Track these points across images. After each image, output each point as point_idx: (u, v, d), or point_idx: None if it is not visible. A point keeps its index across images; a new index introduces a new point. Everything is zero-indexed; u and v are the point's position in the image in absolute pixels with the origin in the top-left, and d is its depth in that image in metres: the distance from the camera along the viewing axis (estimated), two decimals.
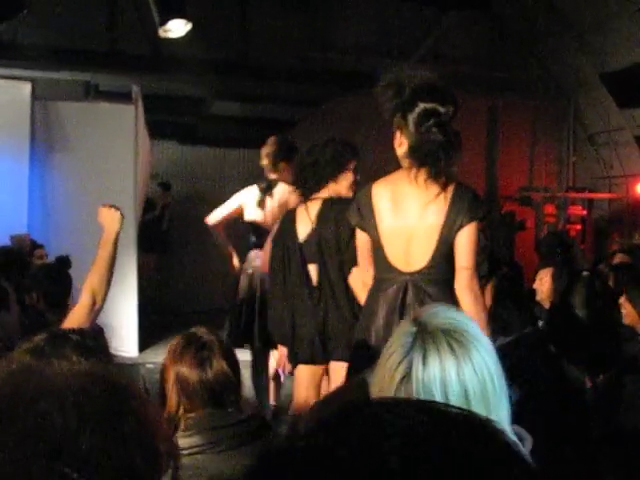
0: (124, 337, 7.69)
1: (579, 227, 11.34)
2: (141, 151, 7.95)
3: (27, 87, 7.59)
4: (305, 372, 3.96)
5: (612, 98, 10.19)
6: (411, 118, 2.95)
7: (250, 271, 5.10)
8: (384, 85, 3.02)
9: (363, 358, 2.88)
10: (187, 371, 2.28)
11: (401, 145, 3.02)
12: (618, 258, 6.65)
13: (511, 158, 11.55)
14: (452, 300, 2.88)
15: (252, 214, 5.09)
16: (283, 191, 4.96)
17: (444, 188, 2.93)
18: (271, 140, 5.01)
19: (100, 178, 7.64)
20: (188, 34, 6.56)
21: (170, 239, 8.94)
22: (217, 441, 2.23)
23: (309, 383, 3.96)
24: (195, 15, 6.56)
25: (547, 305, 4.80)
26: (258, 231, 5.07)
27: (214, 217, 5.25)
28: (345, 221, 3.37)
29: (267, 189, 5.00)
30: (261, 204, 5.02)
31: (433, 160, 2.91)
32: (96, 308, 3.00)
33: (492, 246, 8.37)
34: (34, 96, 7.61)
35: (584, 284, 4.63)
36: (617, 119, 10.40)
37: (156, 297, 10.48)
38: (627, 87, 9.30)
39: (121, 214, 3.31)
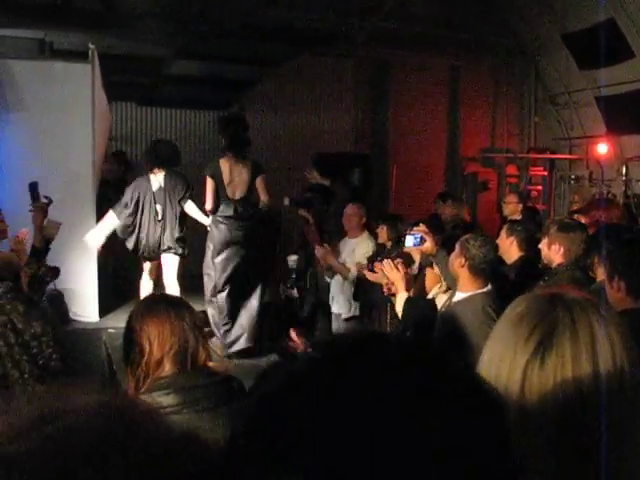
0: (84, 302, 7.55)
1: (540, 187, 11.43)
2: (98, 112, 7.72)
3: None
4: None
5: (573, 59, 10.22)
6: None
7: None
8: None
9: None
10: (163, 327, 2.20)
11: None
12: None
13: (473, 119, 11.56)
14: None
15: None
16: None
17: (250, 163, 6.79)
18: None
19: (56, 139, 7.40)
20: None
21: None
22: (194, 401, 2.18)
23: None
24: None
25: None
26: None
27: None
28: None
29: None
30: None
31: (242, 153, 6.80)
32: None
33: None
34: None
35: None
36: (578, 80, 10.43)
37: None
38: (588, 48, 9.30)
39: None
